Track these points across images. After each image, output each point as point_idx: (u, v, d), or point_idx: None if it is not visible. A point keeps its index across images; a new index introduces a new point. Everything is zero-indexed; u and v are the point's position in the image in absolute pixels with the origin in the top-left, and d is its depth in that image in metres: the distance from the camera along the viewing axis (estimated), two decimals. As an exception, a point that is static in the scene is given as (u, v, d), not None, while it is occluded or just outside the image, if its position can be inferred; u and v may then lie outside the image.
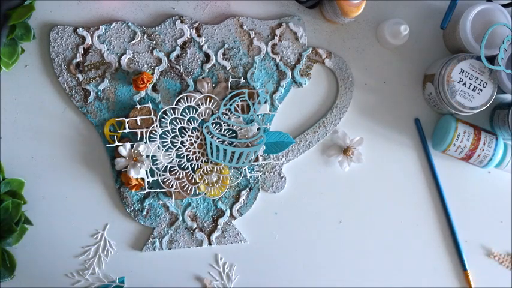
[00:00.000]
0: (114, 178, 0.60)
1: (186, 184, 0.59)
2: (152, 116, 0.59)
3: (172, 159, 0.59)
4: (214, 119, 0.59)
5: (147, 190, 0.59)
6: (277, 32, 0.62)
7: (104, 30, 0.59)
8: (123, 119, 0.58)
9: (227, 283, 0.62)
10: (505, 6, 0.63)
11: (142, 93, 0.60)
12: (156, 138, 0.58)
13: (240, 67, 0.61)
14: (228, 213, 0.61)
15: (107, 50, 0.59)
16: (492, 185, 0.67)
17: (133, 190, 0.59)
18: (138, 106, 0.59)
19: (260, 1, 0.63)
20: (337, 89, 0.64)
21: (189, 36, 0.61)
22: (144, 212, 0.60)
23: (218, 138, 0.58)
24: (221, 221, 0.61)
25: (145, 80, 0.58)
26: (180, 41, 0.60)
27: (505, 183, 0.67)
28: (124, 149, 0.58)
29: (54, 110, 0.60)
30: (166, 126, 0.58)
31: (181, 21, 0.60)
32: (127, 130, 0.58)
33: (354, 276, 0.64)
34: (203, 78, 0.61)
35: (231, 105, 0.59)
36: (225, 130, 0.59)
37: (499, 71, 0.60)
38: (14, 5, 0.54)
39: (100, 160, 0.60)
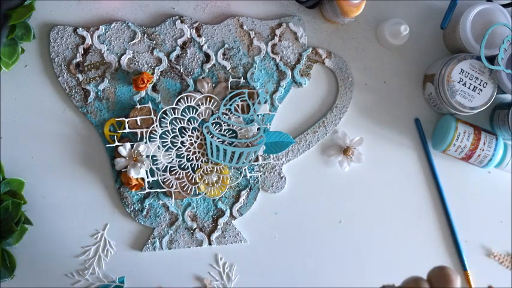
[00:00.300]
0: (114, 178, 0.60)
1: (186, 184, 0.59)
2: (152, 116, 0.59)
3: (172, 159, 0.59)
4: (214, 119, 0.59)
5: (147, 190, 0.59)
6: (277, 32, 0.62)
7: (104, 30, 0.59)
8: (123, 119, 0.58)
9: (227, 283, 0.62)
10: (505, 6, 0.63)
11: (142, 93, 0.60)
12: (156, 138, 0.58)
13: (240, 67, 0.61)
14: (228, 213, 0.61)
15: (107, 50, 0.59)
16: (492, 185, 0.67)
17: (133, 190, 0.59)
18: (138, 106, 0.59)
19: (260, 1, 0.63)
20: (337, 89, 0.64)
21: (189, 36, 0.61)
22: (144, 212, 0.60)
23: (218, 138, 0.58)
24: (221, 221, 0.61)
25: (145, 80, 0.58)
26: (180, 41, 0.60)
27: (505, 183, 0.67)
28: (124, 149, 0.58)
29: (54, 110, 0.60)
30: (166, 126, 0.58)
31: (181, 21, 0.60)
32: (127, 130, 0.58)
33: (354, 276, 0.64)
34: (203, 78, 0.61)
35: (231, 105, 0.59)
36: (225, 130, 0.59)
37: (499, 71, 0.60)
38: (14, 5, 0.54)
39: (100, 160, 0.60)
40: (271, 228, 0.63)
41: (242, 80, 0.61)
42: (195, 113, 0.59)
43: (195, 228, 0.61)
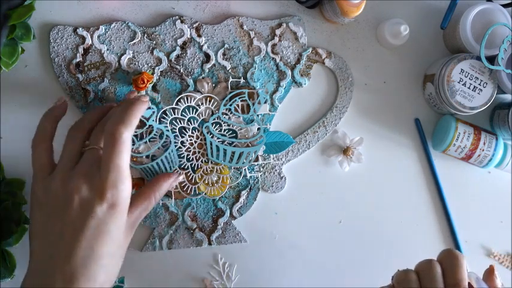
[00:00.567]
0: (114, 178, 0.60)
1: (186, 184, 0.59)
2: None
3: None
4: (214, 119, 0.59)
5: (147, 190, 0.59)
6: (277, 32, 0.62)
7: (104, 30, 0.59)
8: (123, 119, 0.58)
9: (227, 283, 0.62)
10: (505, 6, 0.63)
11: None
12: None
13: (240, 67, 0.61)
14: (228, 213, 0.61)
15: (107, 50, 0.59)
16: (492, 185, 0.67)
17: (133, 190, 0.59)
18: (138, 106, 0.59)
19: (260, 1, 0.63)
20: (337, 89, 0.64)
21: (189, 36, 0.61)
22: (144, 212, 0.60)
23: (218, 138, 0.58)
24: (221, 221, 0.61)
25: (145, 80, 0.58)
26: (180, 41, 0.60)
27: (505, 183, 0.67)
28: (124, 149, 0.58)
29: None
30: (166, 126, 0.58)
31: (181, 21, 0.60)
32: (127, 130, 0.58)
33: (354, 276, 0.64)
34: (203, 78, 0.61)
35: (231, 105, 0.59)
36: (225, 130, 0.59)
37: (499, 71, 0.60)
38: (14, 5, 0.54)
39: (100, 160, 0.60)
40: (271, 228, 0.63)
41: (242, 80, 0.61)
42: (195, 113, 0.59)
43: (195, 228, 0.61)
